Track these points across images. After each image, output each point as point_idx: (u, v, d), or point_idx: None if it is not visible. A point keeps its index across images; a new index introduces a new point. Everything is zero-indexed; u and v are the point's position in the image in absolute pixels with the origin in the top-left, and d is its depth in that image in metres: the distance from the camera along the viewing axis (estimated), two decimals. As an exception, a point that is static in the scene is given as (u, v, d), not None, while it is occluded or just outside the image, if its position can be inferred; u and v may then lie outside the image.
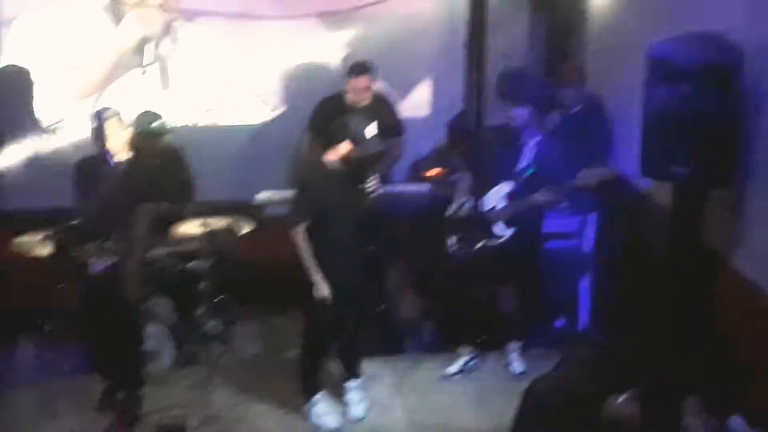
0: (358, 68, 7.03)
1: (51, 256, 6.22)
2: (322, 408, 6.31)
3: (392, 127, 7.17)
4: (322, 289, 5.96)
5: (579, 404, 4.99)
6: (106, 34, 7.73)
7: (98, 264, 6.02)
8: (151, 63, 7.84)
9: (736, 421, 5.45)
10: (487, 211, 6.47)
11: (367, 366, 6.69)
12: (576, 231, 7.20)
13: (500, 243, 6.55)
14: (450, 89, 7.76)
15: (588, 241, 7.25)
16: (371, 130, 5.86)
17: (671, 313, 5.85)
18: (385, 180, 7.11)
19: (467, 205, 6.55)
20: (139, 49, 7.80)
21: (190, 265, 6.93)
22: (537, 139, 6.46)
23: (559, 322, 7.33)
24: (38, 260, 6.48)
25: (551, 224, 7.04)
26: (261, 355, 7.21)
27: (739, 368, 5.64)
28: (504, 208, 6.50)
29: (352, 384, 6.44)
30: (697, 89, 5.35)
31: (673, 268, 5.92)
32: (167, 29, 7.83)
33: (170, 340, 6.87)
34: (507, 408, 5.56)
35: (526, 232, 6.58)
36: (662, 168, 5.63)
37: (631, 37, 6.77)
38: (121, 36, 7.77)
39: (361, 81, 6.96)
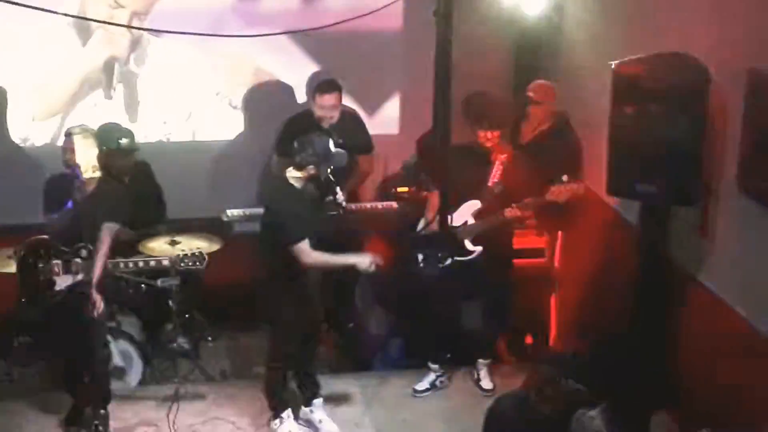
0: (326, 86, 7.03)
1: (18, 272, 6.15)
2: (290, 426, 6.31)
3: (362, 144, 7.18)
4: (368, 260, 5.99)
5: (543, 422, 5.00)
6: (72, 52, 7.70)
7: (64, 280, 5.98)
8: (119, 81, 7.81)
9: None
10: (457, 228, 6.50)
11: (337, 383, 6.74)
12: (545, 248, 7.28)
13: (468, 260, 6.56)
14: (419, 107, 7.71)
15: (557, 258, 7.34)
16: (335, 144, 5.88)
17: (639, 327, 5.93)
18: (354, 197, 7.16)
19: (436, 222, 6.56)
20: (107, 68, 7.77)
21: (159, 282, 6.74)
22: (504, 156, 6.50)
23: (530, 339, 7.41)
24: (4, 276, 6.51)
25: (522, 241, 7.12)
26: (229, 373, 7.22)
27: (708, 382, 5.70)
28: (472, 225, 6.52)
29: (318, 401, 6.44)
30: (663, 109, 5.42)
31: (641, 284, 5.96)
32: (134, 46, 7.80)
33: (138, 357, 6.82)
34: (476, 425, 5.58)
35: (494, 249, 6.61)
36: (628, 186, 5.69)
37: (601, 57, 6.81)
38: (88, 55, 7.73)
39: (329, 98, 6.96)
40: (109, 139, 6.47)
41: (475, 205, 6.51)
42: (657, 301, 5.92)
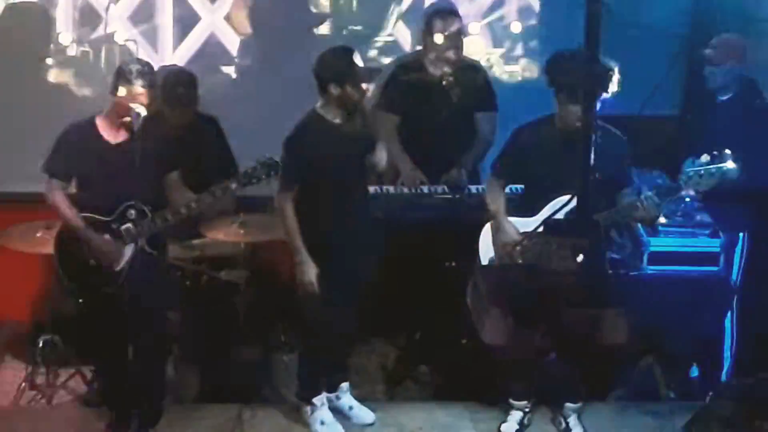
0: (445, 12, 6.18)
1: (56, 256, 5.56)
2: (323, 414, 5.92)
3: (481, 100, 6.33)
4: (312, 274, 5.59)
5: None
6: None
7: (123, 255, 5.30)
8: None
9: None
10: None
11: (443, 415, 6.05)
12: (718, 254, 6.22)
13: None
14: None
15: (734, 266, 6.32)
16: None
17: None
18: (475, 176, 6.46)
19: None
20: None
21: (223, 274, 6.30)
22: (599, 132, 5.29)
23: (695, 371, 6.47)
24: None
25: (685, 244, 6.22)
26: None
27: None
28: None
29: (345, 386, 5.98)
30: None
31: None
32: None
33: (194, 368, 6.31)
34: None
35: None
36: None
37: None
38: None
39: (449, 24, 6.08)
40: (165, 83, 5.95)
41: (564, 201, 5.32)
42: None
